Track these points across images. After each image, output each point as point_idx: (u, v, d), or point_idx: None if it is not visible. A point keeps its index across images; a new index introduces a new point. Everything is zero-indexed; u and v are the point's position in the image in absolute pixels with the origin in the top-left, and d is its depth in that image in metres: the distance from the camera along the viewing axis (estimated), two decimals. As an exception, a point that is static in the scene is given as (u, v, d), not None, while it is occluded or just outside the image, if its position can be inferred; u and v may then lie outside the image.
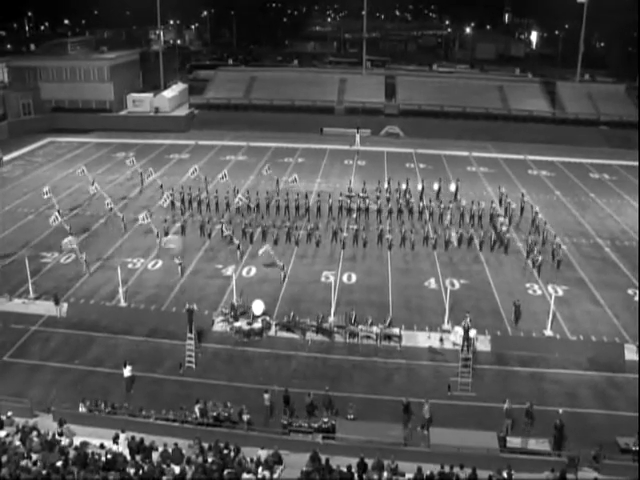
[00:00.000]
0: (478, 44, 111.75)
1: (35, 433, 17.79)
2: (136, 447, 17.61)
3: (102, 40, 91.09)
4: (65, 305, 26.10)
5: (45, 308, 26.16)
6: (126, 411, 19.50)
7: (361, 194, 38.72)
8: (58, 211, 35.62)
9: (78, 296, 27.27)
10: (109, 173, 46.12)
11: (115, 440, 17.95)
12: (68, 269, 29.84)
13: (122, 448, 17.78)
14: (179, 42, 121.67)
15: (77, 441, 17.87)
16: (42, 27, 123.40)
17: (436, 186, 40.85)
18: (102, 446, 17.51)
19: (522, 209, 37.56)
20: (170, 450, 17.29)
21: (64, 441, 17.77)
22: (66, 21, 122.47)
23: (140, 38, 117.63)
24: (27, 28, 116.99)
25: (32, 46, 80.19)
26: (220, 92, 66.20)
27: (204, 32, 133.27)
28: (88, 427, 18.87)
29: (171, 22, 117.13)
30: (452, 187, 41.02)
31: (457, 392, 21.35)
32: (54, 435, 17.91)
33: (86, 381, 21.65)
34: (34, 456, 16.76)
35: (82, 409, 19.52)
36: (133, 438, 17.85)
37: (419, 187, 40.73)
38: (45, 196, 37.08)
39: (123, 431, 18.11)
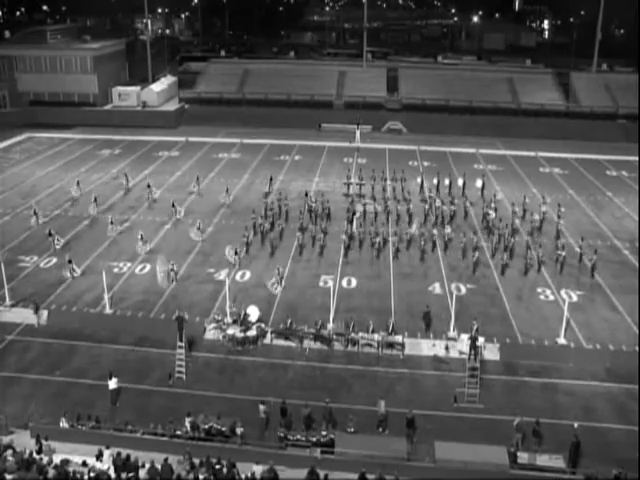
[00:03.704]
0: (486, 34, 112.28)
1: (10, 452, 17.68)
2: (122, 464, 17.61)
3: (84, 28, 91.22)
4: (45, 312, 26.08)
5: (23, 316, 26.14)
6: (111, 425, 19.50)
7: (357, 181, 40.90)
8: (35, 212, 35.72)
9: (59, 303, 27.28)
10: (93, 171, 46.17)
11: (99, 457, 17.95)
12: (48, 274, 29.86)
13: (107, 465, 17.78)
14: (168, 32, 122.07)
15: (57, 459, 17.85)
16: (18, 13, 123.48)
17: (460, 181, 41.37)
18: (85, 464, 17.51)
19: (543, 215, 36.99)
20: (159, 467, 17.31)
21: (43, 459, 17.74)
22: (44, 7, 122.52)
23: (126, 27, 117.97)
24: (1, 14, 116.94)
25: (7, 33, 79.97)
26: (212, 86, 66.33)
27: (195, 21, 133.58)
28: (70, 443, 18.86)
29: (159, 10, 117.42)
30: (478, 183, 41.36)
31: (464, 404, 21.37)
32: (32, 453, 17.86)
33: (68, 394, 21.64)
34: (9, 477, 16.69)
35: (63, 424, 19.50)
36: (119, 454, 17.86)
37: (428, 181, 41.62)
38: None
39: (108, 447, 18.12)
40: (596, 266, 30.49)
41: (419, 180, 42.04)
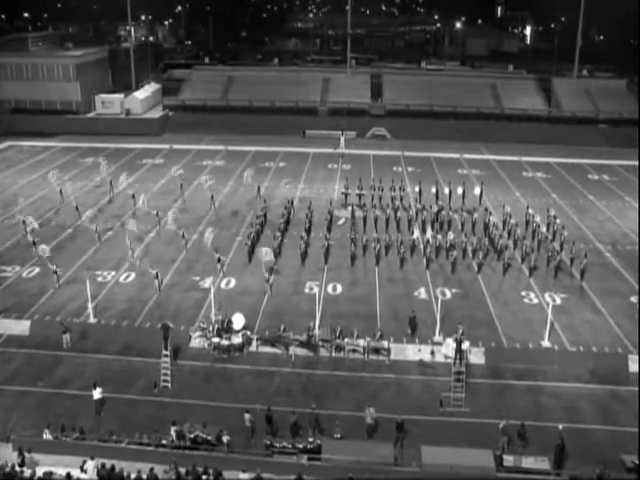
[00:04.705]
0: (469, 40, 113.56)
1: (-9, 465, 17.54)
2: (107, 475, 17.49)
3: (67, 36, 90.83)
4: (67, 336, 24.83)
5: (4, 327, 25.87)
6: (96, 436, 19.34)
7: (357, 191, 40.11)
8: (23, 221, 35.44)
9: (42, 312, 27.04)
10: (77, 179, 45.89)
11: (83, 468, 17.79)
12: (31, 283, 29.59)
13: (91, 477, 17.63)
14: (151, 39, 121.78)
15: (40, 471, 17.71)
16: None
17: (460, 190, 40.78)
18: (69, 476, 17.33)
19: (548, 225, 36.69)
20: (144, 476, 17.20)
21: (25, 472, 17.55)
22: (25, 14, 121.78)
23: (109, 34, 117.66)
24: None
25: (-13, 40, 79.33)
26: (196, 93, 66.31)
27: (178, 28, 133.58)
28: (53, 455, 18.71)
29: (143, 17, 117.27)
30: (476, 191, 41.24)
31: (450, 408, 21.49)
32: (14, 466, 17.66)
33: (51, 405, 21.42)
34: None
35: (47, 436, 19.31)
36: (103, 465, 17.73)
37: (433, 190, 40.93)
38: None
39: (92, 458, 17.96)
40: (586, 269, 30.76)
41: (417, 188, 41.27)
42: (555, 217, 36.61)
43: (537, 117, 62.37)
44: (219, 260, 30.84)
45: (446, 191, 40.71)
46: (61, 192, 40.34)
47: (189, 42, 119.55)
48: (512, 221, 36.18)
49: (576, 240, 35.40)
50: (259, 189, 41.49)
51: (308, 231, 35.09)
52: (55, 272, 29.20)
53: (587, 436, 20.32)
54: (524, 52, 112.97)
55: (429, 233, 33.60)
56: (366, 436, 19.94)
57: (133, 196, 39.86)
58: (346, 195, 40.48)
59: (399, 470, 18.28)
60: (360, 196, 40.05)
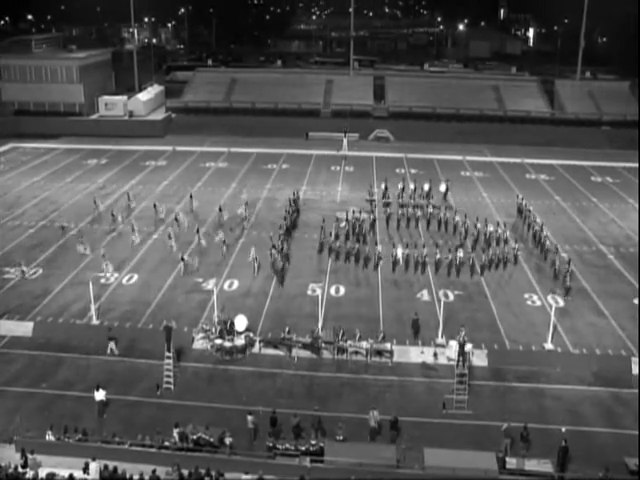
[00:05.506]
0: (472, 42, 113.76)
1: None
2: (109, 476, 17.52)
3: (70, 38, 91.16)
4: (112, 343, 24.66)
5: (7, 328, 25.93)
6: (98, 438, 19.38)
7: (383, 199, 39.71)
8: (62, 227, 35.57)
9: (45, 314, 27.10)
10: (79, 181, 46.01)
11: (85, 470, 17.83)
12: (34, 285, 29.67)
13: (93, 478, 17.66)
14: (154, 41, 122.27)
15: (43, 473, 17.74)
16: (2, 22, 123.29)
17: (426, 187, 41.12)
18: (71, 477, 17.38)
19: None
20: (147, 478, 17.22)
21: (28, 473, 17.59)
22: (29, 16, 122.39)
23: (112, 36, 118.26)
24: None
25: (-9, 42, 79.67)
26: (199, 95, 66.43)
27: (181, 30, 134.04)
28: (56, 457, 18.73)
29: (146, 19, 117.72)
30: (442, 187, 41.62)
31: (452, 410, 21.48)
32: (16, 467, 17.72)
33: (54, 406, 21.45)
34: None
35: (49, 437, 19.35)
36: (106, 467, 17.76)
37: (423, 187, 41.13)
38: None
39: (94, 459, 18.00)
40: (568, 274, 29.81)
41: (443, 188, 41.57)
42: (530, 211, 37.06)
43: (540, 119, 62.27)
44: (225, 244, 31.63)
45: (411, 186, 40.81)
46: (95, 201, 39.42)
47: (186, 45, 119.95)
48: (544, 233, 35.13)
49: (579, 242, 35.45)
50: (247, 203, 39.74)
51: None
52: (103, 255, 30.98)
53: (590, 439, 20.28)
54: (527, 54, 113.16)
55: (389, 251, 32.03)
56: (369, 438, 19.94)
57: (154, 205, 38.90)
58: (371, 202, 39.82)
59: (402, 472, 18.26)
60: (387, 204, 38.95)
